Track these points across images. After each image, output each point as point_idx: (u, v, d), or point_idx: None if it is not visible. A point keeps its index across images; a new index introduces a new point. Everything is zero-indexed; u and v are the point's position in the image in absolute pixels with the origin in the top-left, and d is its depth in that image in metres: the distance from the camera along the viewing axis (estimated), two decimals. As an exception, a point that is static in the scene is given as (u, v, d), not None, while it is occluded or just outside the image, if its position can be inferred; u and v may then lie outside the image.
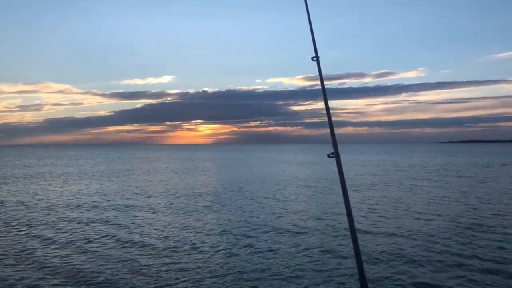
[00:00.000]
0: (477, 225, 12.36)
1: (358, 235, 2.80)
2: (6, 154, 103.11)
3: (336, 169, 2.88)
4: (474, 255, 9.14)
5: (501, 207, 15.72)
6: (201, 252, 9.77)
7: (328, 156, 2.99)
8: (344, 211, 2.86)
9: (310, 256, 9.28)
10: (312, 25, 3.44)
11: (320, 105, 3.18)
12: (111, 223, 13.31)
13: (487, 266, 8.37)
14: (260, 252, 9.70)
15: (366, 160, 57.31)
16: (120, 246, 10.34)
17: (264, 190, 22.02)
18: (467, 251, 9.48)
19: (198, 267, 8.57)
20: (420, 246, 10.02)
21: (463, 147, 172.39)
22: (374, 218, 13.74)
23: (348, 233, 2.81)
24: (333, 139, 3.01)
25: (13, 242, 10.68)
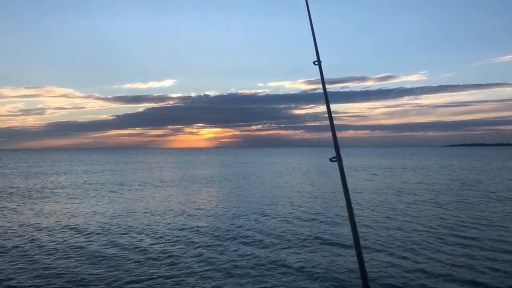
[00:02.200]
0: (459, 230, 12.37)
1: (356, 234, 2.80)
2: (7, 158, 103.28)
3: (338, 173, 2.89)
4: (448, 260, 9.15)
5: (483, 211, 15.66)
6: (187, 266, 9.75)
7: (330, 160, 2.99)
8: (345, 212, 2.87)
9: (312, 259, 9.28)
10: (314, 29, 3.46)
11: (322, 108, 3.19)
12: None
13: (477, 267, 8.38)
14: (260, 253, 9.71)
15: (362, 164, 57.26)
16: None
17: (264, 196, 21.98)
18: (447, 255, 9.49)
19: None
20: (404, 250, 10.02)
21: (464, 151, 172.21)
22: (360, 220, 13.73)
23: (350, 236, 2.81)
24: (335, 143, 3.02)
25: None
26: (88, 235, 11.98)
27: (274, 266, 8.85)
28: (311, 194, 21.66)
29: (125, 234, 12.12)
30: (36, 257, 9.66)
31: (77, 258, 9.50)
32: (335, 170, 2.90)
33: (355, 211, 14.62)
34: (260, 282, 7.86)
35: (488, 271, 8.33)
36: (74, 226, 13.28)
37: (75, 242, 11.10)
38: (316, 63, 3.30)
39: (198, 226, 13.13)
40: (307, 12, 3.54)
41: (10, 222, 14.22)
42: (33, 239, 11.50)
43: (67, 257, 9.60)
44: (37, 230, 12.79)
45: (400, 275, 8.16)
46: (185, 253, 9.95)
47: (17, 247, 10.65)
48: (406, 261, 9.13)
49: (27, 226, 13.47)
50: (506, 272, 8.28)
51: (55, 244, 10.85)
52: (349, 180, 27.63)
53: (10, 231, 12.64)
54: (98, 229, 12.77)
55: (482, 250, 9.89)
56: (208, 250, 10.22)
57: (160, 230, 12.67)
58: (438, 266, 8.73)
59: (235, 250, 10.14)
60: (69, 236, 11.92)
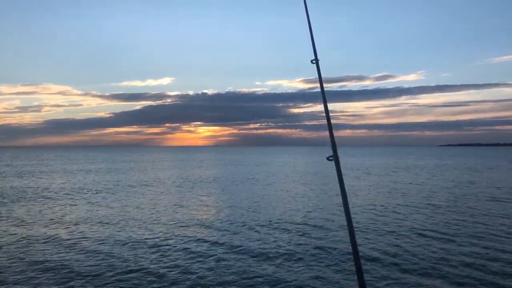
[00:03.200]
0: (435, 230, 12.52)
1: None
2: (2, 155, 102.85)
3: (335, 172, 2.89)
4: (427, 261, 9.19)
5: (464, 210, 15.81)
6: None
7: (327, 159, 2.99)
8: (340, 213, 2.86)
9: (309, 259, 9.30)
10: (312, 27, 3.44)
11: (320, 107, 3.18)
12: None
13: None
14: (256, 257, 9.71)
15: (357, 164, 57.37)
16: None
17: (258, 197, 21.99)
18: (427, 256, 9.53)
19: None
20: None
21: (461, 150, 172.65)
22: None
23: (347, 237, 2.81)
24: (332, 142, 3.01)
25: None
26: (67, 247, 10.44)
27: (269, 271, 8.85)
28: (307, 194, 21.69)
29: (104, 244, 10.76)
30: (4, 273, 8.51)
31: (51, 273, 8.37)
32: (332, 169, 2.90)
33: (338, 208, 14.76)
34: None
35: (477, 273, 8.38)
36: (54, 236, 11.70)
37: (52, 255, 9.75)
38: (314, 61, 3.29)
39: (188, 235, 11.73)
40: (305, 11, 3.53)
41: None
42: (6, 251, 10.15)
43: (38, 272, 8.47)
44: (14, 240, 11.28)
45: (396, 277, 8.19)
46: (170, 266, 9.04)
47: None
48: (401, 262, 9.17)
49: (5, 235, 11.95)
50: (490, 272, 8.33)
51: (29, 257, 9.60)
52: (331, 179, 26.56)
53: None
54: (79, 240, 11.23)
55: (470, 252, 9.98)
56: (193, 261, 9.71)
57: (147, 239, 11.25)
58: (432, 268, 8.77)
59: (220, 259, 9.54)
60: (47, 248, 10.43)
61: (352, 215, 12.65)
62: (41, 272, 8.47)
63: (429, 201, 18.50)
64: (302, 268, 8.66)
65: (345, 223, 2.78)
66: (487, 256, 9.42)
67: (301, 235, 11.73)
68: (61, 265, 8.99)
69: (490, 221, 13.56)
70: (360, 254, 9.38)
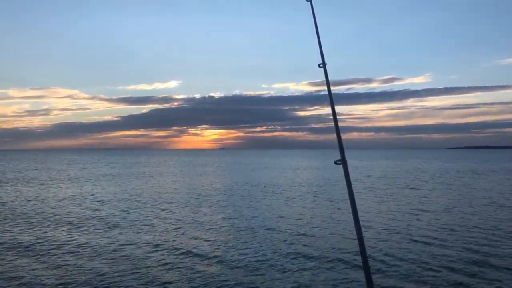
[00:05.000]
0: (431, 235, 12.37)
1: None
2: (8, 159, 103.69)
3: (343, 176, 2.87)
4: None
5: (454, 215, 15.58)
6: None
7: (335, 162, 2.97)
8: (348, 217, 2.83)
9: (316, 263, 9.25)
10: (319, 30, 3.43)
11: (326, 110, 3.19)
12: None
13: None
14: (264, 261, 9.68)
15: (360, 166, 57.10)
16: None
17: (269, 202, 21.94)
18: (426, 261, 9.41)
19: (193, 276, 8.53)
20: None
21: (468, 153, 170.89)
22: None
23: (356, 240, 2.79)
24: (340, 146, 2.99)
25: None
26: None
27: (271, 277, 8.82)
28: (314, 200, 21.61)
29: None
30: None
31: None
32: (341, 173, 2.87)
33: (345, 215, 14.65)
34: None
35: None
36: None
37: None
38: (321, 66, 3.28)
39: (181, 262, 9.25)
40: (312, 15, 3.51)
41: None
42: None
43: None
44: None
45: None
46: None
47: None
48: (407, 268, 9.08)
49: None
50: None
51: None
52: (342, 183, 26.56)
53: None
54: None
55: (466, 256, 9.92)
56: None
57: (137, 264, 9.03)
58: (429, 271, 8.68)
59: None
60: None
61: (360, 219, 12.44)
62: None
63: (432, 205, 18.32)
64: (308, 271, 8.62)
65: (352, 226, 2.76)
66: (486, 260, 9.34)
67: (310, 239, 11.70)
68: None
69: (488, 225, 13.39)
70: (368, 256, 9.34)
